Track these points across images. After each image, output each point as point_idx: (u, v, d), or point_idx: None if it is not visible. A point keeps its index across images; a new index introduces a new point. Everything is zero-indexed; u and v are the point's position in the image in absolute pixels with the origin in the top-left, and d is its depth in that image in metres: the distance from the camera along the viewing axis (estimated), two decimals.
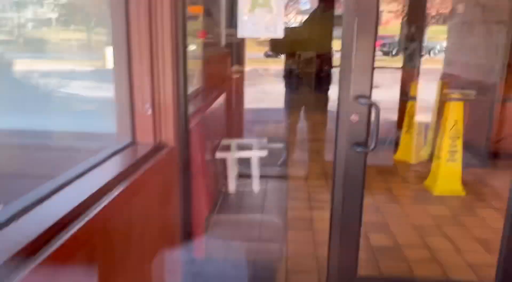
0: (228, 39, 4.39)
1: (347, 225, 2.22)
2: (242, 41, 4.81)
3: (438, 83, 5.06)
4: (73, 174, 1.57)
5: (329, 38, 4.95)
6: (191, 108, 2.48)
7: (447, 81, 4.98)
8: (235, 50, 4.61)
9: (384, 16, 16.06)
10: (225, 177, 3.55)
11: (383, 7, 14.65)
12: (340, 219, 2.22)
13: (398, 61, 6.17)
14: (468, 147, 4.07)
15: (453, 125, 3.76)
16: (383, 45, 15.19)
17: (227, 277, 2.40)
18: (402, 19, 8.56)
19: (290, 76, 5.45)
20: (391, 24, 15.85)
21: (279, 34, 2.18)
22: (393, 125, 5.21)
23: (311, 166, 4.61)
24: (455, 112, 3.79)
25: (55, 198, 1.41)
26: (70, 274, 1.32)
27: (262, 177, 3.84)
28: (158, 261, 2.07)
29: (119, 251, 1.67)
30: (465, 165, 3.94)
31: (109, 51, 2.14)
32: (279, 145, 4.24)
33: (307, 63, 5.20)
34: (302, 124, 5.69)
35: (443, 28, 7.73)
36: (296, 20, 12.16)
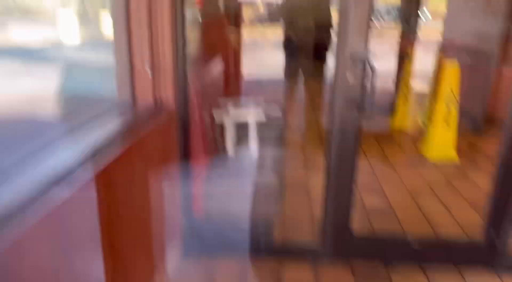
0: (226, 4, 4.37)
1: (341, 183, 2.30)
2: (239, 7, 4.79)
3: (436, 49, 5.07)
4: (79, 129, 1.63)
5: (328, 6, 4.93)
6: (190, 72, 2.52)
7: (445, 47, 4.99)
8: (233, 16, 4.60)
9: None
10: (223, 141, 3.61)
11: None
12: (335, 178, 2.30)
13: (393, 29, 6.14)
14: (463, 113, 4.12)
15: (449, 91, 3.81)
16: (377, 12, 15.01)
17: (226, 234, 2.50)
18: None
19: (289, 46, 5.43)
20: None
21: None
22: (389, 94, 5.24)
23: (308, 132, 4.67)
24: (451, 77, 3.82)
25: (59, 150, 1.47)
26: (77, 222, 1.40)
27: (260, 141, 3.91)
28: (158, 218, 2.15)
29: (122, 207, 1.75)
30: (460, 131, 4.00)
31: (105, 16, 2.17)
32: (276, 110, 4.28)
33: (306, 32, 5.18)
34: (301, 92, 5.72)
35: None
36: None
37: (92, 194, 1.47)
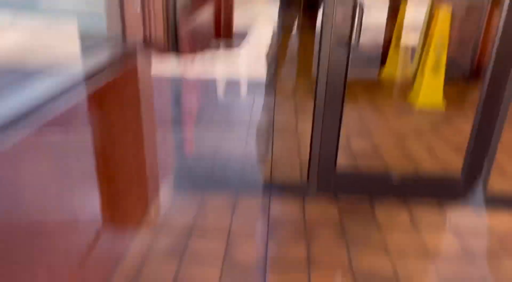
0: None
1: (328, 119, 2.37)
2: None
3: None
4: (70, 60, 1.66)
5: None
6: (181, 13, 2.51)
7: None
8: None
9: None
10: (215, 83, 3.64)
11: None
12: (322, 114, 2.36)
13: None
14: (453, 62, 4.16)
15: (439, 38, 3.83)
16: None
17: (216, 171, 2.58)
18: None
19: None
20: None
21: None
22: (380, 45, 5.24)
23: (300, 81, 4.70)
24: (442, 23, 3.83)
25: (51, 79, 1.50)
26: (71, 140, 1.45)
27: (250, 86, 3.94)
28: (150, 151, 2.22)
29: (114, 133, 1.81)
30: (449, 80, 4.06)
31: None
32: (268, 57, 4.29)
33: None
34: (293, 44, 5.70)
35: None
36: None
37: (84, 113, 1.52)
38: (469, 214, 2.44)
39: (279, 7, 5.60)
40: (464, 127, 3.66)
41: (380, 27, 5.13)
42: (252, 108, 3.87)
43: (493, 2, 4.61)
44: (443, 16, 3.84)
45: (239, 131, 3.36)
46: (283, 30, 6.41)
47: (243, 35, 5.49)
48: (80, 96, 1.42)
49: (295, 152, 3.10)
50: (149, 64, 2.10)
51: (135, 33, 2.17)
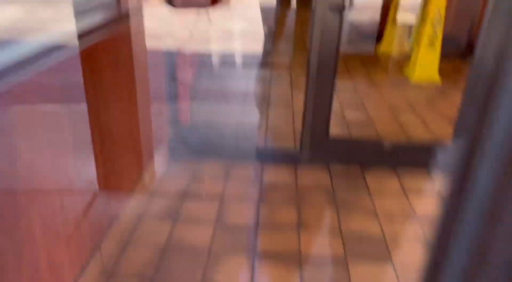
0: None
1: (321, 88, 2.39)
2: None
3: None
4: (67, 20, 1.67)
5: None
6: None
7: None
8: None
9: None
10: (210, 54, 3.65)
11: None
12: (315, 83, 2.38)
13: None
14: (449, 38, 4.16)
15: (436, 11, 3.82)
16: None
17: (211, 139, 2.61)
18: None
19: None
20: None
21: None
22: (377, 22, 5.23)
23: (296, 56, 4.70)
24: None
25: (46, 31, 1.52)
26: (64, 90, 1.48)
27: (245, 57, 3.95)
28: (145, 117, 2.25)
29: (108, 94, 1.83)
30: (445, 55, 4.07)
31: None
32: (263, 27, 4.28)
33: None
34: (291, 19, 5.67)
35: None
36: None
37: (77, 71, 1.55)
38: None
39: None
40: (459, 100, 3.68)
41: (377, 4, 5.11)
42: (248, 80, 3.88)
43: None
44: None
45: (234, 102, 3.38)
46: (281, 2, 6.37)
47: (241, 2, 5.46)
48: (72, 52, 1.44)
49: (290, 122, 3.13)
50: (142, 29, 2.11)
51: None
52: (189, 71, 2.87)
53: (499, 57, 0.32)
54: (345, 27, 5.56)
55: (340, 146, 2.57)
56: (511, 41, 0.31)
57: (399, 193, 2.34)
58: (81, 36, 1.56)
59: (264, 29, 4.29)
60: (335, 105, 3.43)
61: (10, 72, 1.18)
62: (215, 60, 3.68)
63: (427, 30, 3.90)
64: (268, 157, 2.64)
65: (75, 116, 1.67)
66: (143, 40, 2.15)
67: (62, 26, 1.68)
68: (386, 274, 1.79)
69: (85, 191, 1.82)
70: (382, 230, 2.05)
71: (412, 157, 2.55)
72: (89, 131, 1.83)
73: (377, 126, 3.08)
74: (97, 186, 1.97)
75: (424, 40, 3.94)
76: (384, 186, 2.41)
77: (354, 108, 3.39)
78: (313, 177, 2.49)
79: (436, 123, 3.17)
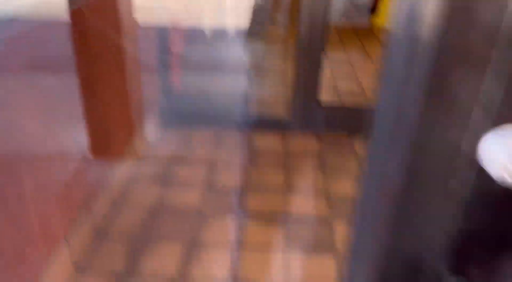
0: None
1: (311, 53, 2.40)
2: None
3: None
4: None
5: None
6: None
7: None
8: None
9: None
10: (203, 23, 3.64)
11: None
12: (305, 48, 2.39)
13: None
14: None
15: None
16: None
17: (202, 107, 2.63)
18: None
19: None
20: None
21: None
22: None
23: (292, 28, 4.68)
24: None
25: None
26: (54, 48, 1.49)
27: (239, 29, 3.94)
28: (135, 83, 2.26)
29: (96, 58, 1.85)
30: None
31: None
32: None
33: None
34: None
35: None
36: None
37: (66, 35, 1.56)
38: None
39: None
40: None
41: None
42: (242, 52, 3.88)
43: None
44: None
45: (227, 72, 3.39)
46: None
47: None
48: (59, 19, 1.45)
49: (282, 91, 3.15)
50: None
51: None
52: (181, 41, 2.88)
53: (411, 21, 0.33)
54: None
55: (329, 114, 2.60)
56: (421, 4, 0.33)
57: None
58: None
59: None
60: (328, 76, 3.44)
61: None
62: (208, 31, 3.68)
63: None
64: (258, 124, 2.67)
65: (66, 83, 1.69)
66: (131, 6, 2.15)
67: None
68: None
69: (76, 156, 1.85)
70: None
71: None
72: (80, 99, 1.86)
73: (368, 95, 3.09)
74: (88, 151, 2.01)
75: None
76: None
77: (346, 79, 3.40)
78: (302, 143, 2.52)
79: None
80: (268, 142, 2.52)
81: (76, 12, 1.61)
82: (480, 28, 0.28)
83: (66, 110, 1.75)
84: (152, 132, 2.57)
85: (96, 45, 1.87)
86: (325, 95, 3.06)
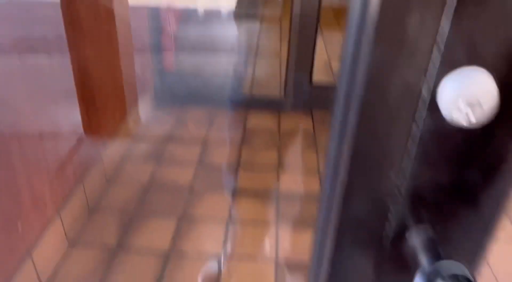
0: None
1: (304, 33, 2.39)
2: None
3: None
4: None
5: None
6: None
7: None
8: None
9: None
10: (197, 4, 3.61)
11: None
12: (298, 28, 2.38)
13: None
14: None
15: None
16: None
17: (196, 87, 2.63)
18: None
19: None
20: None
21: None
22: None
23: (286, 9, 4.64)
24: None
25: None
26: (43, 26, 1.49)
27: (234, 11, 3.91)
28: (128, 63, 2.26)
29: (88, 38, 1.84)
30: None
31: None
32: None
33: None
34: None
35: None
36: None
37: (58, 16, 1.55)
38: None
39: None
40: None
41: None
42: (236, 32, 3.85)
43: None
44: None
45: (221, 52, 3.37)
46: None
47: None
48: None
49: (276, 71, 3.14)
50: None
51: None
52: (175, 21, 2.85)
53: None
54: None
55: (323, 93, 2.60)
56: None
57: None
58: None
59: None
60: (323, 56, 3.43)
61: None
62: (201, 11, 3.65)
63: None
64: (252, 103, 2.67)
65: (59, 64, 1.68)
66: None
67: None
68: None
69: (70, 134, 1.86)
70: None
71: None
72: (72, 79, 1.85)
73: None
74: (82, 130, 2.01)
75: None
76: None
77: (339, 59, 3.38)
78: (295, 122, 2.53)
79: None
80: (262, 120, 2.53)
81: None
82: None
83: (59, 90, 1.75)
84: (145, 111, 2.57)
85: (88, 24, 1.86)
86: (319, 75, 3.05)
